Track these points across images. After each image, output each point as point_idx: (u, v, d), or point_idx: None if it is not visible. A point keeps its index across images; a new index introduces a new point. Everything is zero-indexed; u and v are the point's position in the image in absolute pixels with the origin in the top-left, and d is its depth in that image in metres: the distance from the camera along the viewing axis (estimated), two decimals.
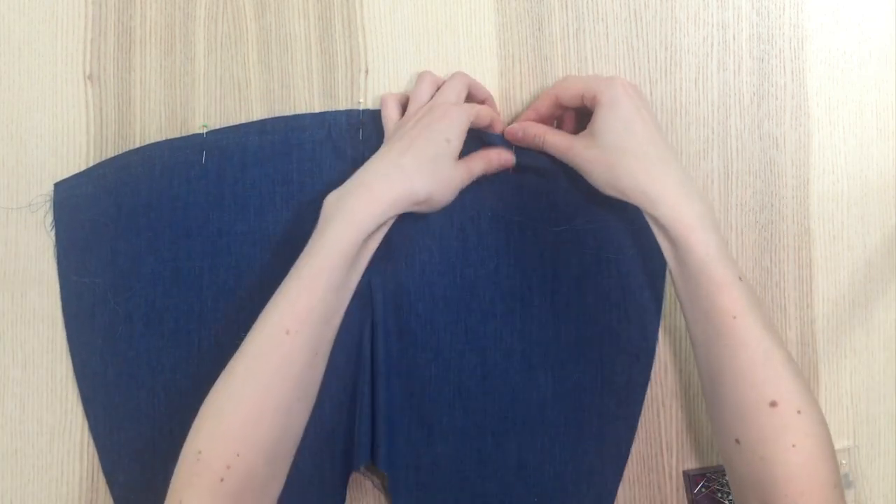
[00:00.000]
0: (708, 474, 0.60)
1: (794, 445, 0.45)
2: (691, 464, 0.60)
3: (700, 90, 0.61)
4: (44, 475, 0.58)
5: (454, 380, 0.56)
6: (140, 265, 0.56)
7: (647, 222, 0.51)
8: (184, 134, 0.59)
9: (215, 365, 0.51)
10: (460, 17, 0.60)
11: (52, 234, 0.58)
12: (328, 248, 0.48)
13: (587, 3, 0.60)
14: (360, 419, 0.55)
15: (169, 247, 0.56)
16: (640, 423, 0.60)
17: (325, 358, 0.50)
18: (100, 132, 0.60)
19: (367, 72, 0.60)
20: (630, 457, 0.59)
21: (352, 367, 0.56)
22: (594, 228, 0.57)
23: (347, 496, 0.57)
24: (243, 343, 0.47)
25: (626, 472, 0.59)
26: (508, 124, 0.57)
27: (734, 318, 0.47)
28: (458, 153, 0.52)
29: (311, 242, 0.49)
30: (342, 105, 0.60)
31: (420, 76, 0.57)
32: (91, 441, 0.58)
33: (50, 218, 0.58)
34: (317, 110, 0.60)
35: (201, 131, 0.58)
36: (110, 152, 0.59)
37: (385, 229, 0.51)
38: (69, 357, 0.58)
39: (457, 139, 0.52)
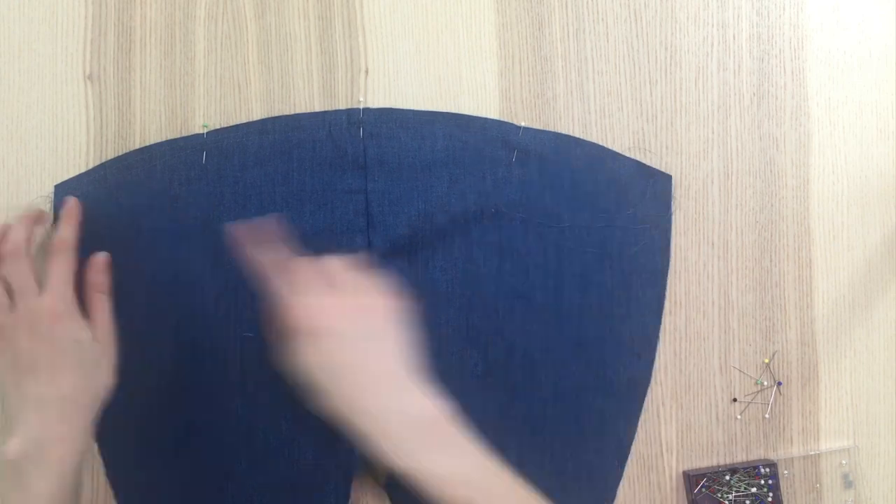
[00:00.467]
0: (708, 474, 0.60)
1: None
2: (691, 464, 0.60)
3: (700, 90, 0.61)
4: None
5: (455, 377, 0.56)
6: (140, 266, 0.56)
7: (650, 222, 0.51)
8: (184, 134, 0.59)
9: (216, 366, 0.51)
10: (460, 17, 0.60)
11: (53, 234, 0.58)
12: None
13: (587, 3, 0.60)
14: None
15: (169, 248, 0.56)
16: (640, 424, 0.60)
17: None
18: (100, 132, 0.60)
19: (367, 72, 0.60)
20: (630, 457, 0.59)
21: None
22: (597, 227, 0.57)
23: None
24: None
25: (626, 472, 0.59)
26: None
27: None
28: (92, 336, 0.52)
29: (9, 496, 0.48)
30: (342, 105, 0.60)
31: None
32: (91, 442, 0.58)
33: (51, 218, 0.58)
34: (317, 110, 0.60)
35: (201, 131, 0.58)
36: (110, 152, 0.59)
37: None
38: None
39: (83, 331, 0.51)
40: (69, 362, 0.50)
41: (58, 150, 0.59)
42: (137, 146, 0.59)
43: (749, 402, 0.61)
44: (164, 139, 0.59)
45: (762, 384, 0.61)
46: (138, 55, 0.60)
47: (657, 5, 0.61)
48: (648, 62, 0.61)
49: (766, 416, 0.61)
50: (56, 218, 0.58)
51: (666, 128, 0.60)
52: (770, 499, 0.60)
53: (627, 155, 0.60)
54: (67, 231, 0.54)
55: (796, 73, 0.61)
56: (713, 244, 0.61)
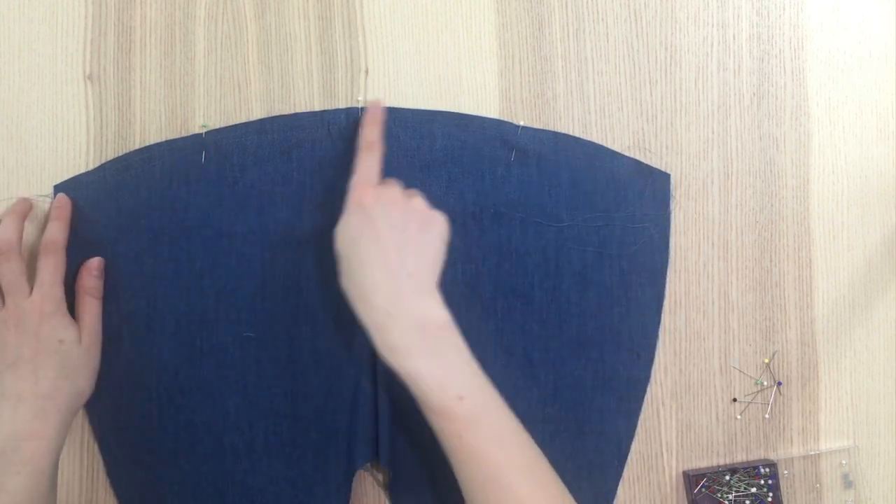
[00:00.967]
0: (708, 474, 0.60)
1: None
2: (691, 464, 0.60)
3: (700, 90, 0.61)
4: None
5: None
6: (140, 266, 0.56)
7: (649, 221, 0.51)
8: (184, 134, 0.59)
9: (217, 366, 0.50)
10: (460, 17, 0.60)
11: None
12: (18, 499, 0.48)
13: (587, 3, 0.60)
14: (363, 416, 0.55)
15: (169, 248, 0.56)
16: (639, 423, 0.60)
17: None
18: (100, 132, 0.60)
19: (367, 72, 0.60)
20: (630, 456, 0.59)
21: (353, 364, 0.56)
22: (596, 226, 0.57)
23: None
24: None
25: (626, 472, 0.59)
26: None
27: (459, 437, 0.47)
28: (78, 338, 0.53)
29: None
30: (342, 105, 0.60)
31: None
32: (91, 442, 0.58)
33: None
34: (317, 110, 0.60)
35: (201, 131, 0.58)
36: (110, 152, 0.59)
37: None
38: None
39: (69, 332, 0.52)
40: (51, 362, 0.51)
41: (58, 150, 0.59)
42: (137, 146, 0.59)
43: (749, 402, 0.61)
44: (164, 139, 0.59)
45: (762, 384, 0.61)
46: (138, 55, 0.60)
47: (657, 5, 0.60)
48: (648, 62, 0.61)
49: (766, 416, 0.61)
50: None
51: (666, 128, 0.60)
52: (770, 499, 0.60)
53: (627, 154, 0.60)
54: (56, 230, 0.55)
55: (796, 73, 0.61)
56: (713, 244, 0.61)
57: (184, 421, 0.55)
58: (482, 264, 0.56)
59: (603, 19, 0.60)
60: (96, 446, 0.58)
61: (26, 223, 0.57)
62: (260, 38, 0.60)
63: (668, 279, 0.60)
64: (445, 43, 0.60)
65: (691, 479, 0.60)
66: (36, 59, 0.60)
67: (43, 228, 0.56)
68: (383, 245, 0.49)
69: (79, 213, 0.57)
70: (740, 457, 0.61)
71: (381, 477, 0.59)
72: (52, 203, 0.57)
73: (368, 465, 0.58)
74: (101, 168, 0.58)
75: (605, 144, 0.60)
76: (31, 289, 0.53)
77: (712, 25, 0.61)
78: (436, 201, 0.55)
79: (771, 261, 0.61)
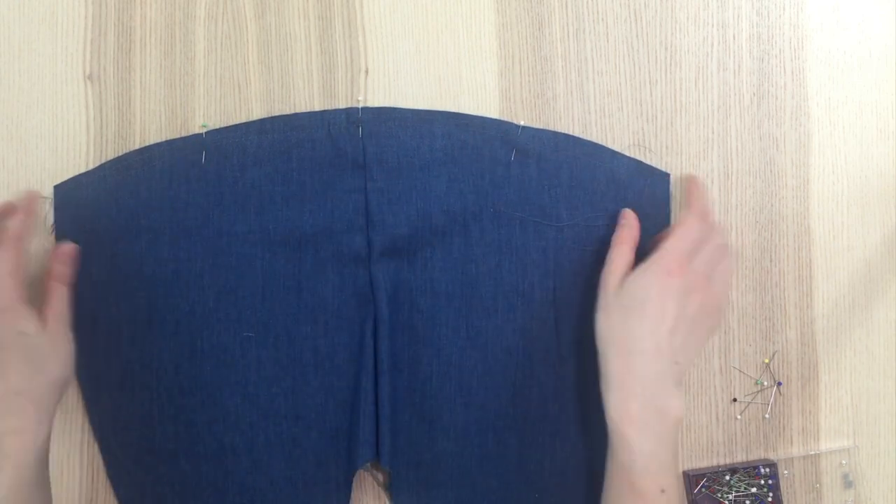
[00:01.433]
0: (708, 474, 0.60)
1: None
2: (691, 464, 0.60)
3: (700, 90, 0.61)
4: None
5: (455, 376, 0.56)
6: (141, 266, 0.56)
7: (649, 220, 0.51)
8: (184, 134, 0.59)
9: (217, 365, 0.50)
10: (460, 17, 0.60)
11: (53, 235, 0.58)
12: (7, 495, 0.48)
13: (587, 3, 0.60)
14: (363, 416, 0.55)
15: (169, 247, 0.56)
16: None
17: None
18: (100, 132, 0.60)
19: (367, 72, 0.60)
20: None
21: (354, 364, 0.56)
22: (596, 225, 0.57)
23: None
24: None
25: None
26: None
27: None
28: (40, 326, 0.51)
29: None
30: (342, 105, 0.60)
31: None
32: (91, 442, 0.58)
33: (50, 219, 0.58)
34: (317, 110, 0.60)
35: (201, 131, 0.58)
36: (110, 152, 0.59)
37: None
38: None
39: (28, 321, 0.51)
40: (16, 356, 0.50)
41: (58, 150, 0.59)
42: (137, 146, 0.59)
43: (749, 403, 0.61)
44: (164, 139, 0.59)
45: (762, 384, 0.61)
46: (138, 55, 0.60)
47: (657, 5, 0.61)
48: (648, 62, 0.61)
49: (766, 416, 0.61)
50: (56, 220, 0.58)
51: (666, 128, 0.60)
52: (770, 499, 0.60)
53: (627, 154, 0.60)
54: (14, 222, 0.54)
55: (796, 73, 0.61)
56: None
57: (184, 421, 0.55)
58: (482, 264, 0.56)
59: (603, 19, 0.60)
60: (96, 446, 0.58)
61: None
62: (260, 38, 0.60)
63: None
64: (445, 43, 0.60)
65: (691, 479, 0.60)
66: (36, 59, 0.60)
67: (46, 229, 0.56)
68: (667, 324, 0.50)
69: (79, 213, 0.57)
70: (740, 457, 0.61)
71: (381, 477, 0.59)
72: (51, 203, 0.57)
73: (368, 465, 0.58)
74: (101, 168, 0.58)
75: (605, 144, 0.60)
76: None
77: (712, 25, 0.61)
78: (436, 201, 0.55)
79: (771, 261, 0.61)
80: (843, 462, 0.61)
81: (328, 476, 0.56)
